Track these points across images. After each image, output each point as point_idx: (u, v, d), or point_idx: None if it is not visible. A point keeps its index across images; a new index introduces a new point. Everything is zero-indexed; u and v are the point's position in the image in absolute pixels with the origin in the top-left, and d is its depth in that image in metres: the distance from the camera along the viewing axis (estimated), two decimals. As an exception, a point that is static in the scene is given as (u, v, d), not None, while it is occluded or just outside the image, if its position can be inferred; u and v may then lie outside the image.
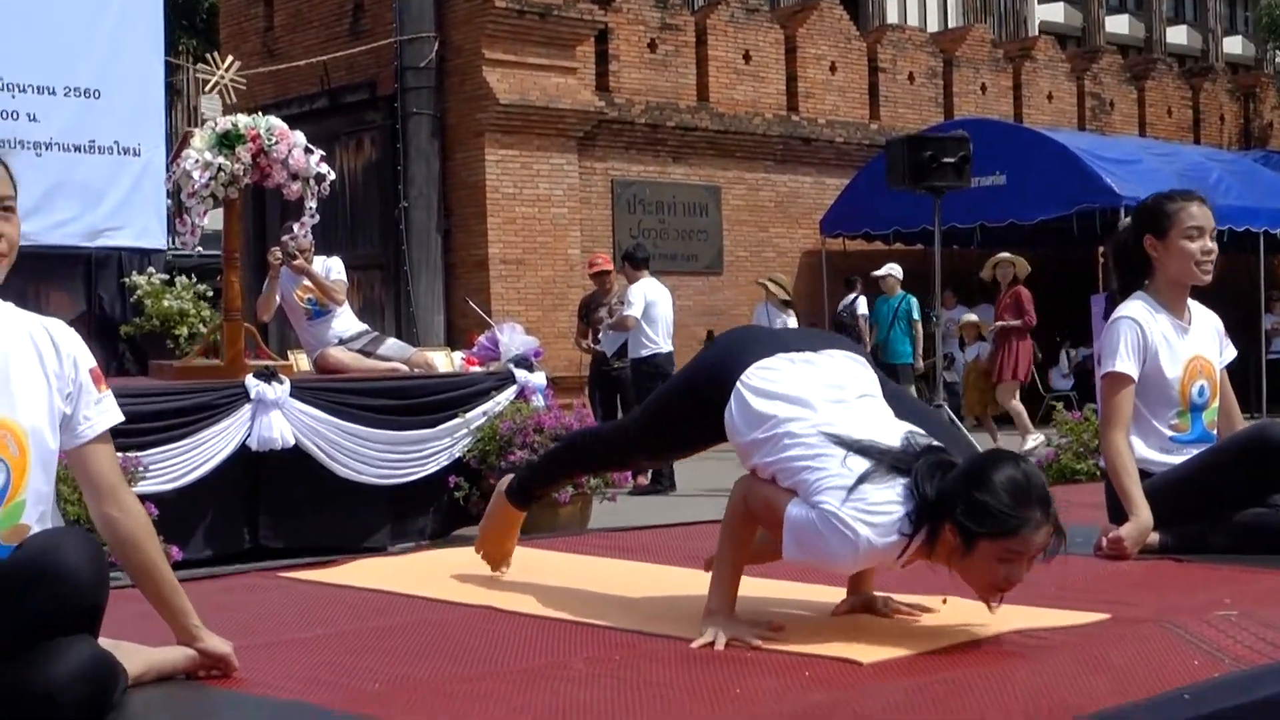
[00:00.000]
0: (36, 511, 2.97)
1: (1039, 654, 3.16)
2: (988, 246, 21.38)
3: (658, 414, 4.02)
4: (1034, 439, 14.24)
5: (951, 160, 12.41)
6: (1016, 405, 15.53)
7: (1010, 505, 3.14)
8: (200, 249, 9.68)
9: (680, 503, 12.05)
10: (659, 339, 12.92)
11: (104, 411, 3.10)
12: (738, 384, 3.57)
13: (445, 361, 11.87)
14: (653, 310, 12.92)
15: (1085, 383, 16.04)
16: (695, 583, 3.84)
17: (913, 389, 16.61)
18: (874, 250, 21.14)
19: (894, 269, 17.39)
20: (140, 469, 7.84)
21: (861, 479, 3.21)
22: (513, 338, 11.17)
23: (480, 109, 17.45)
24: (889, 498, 3.21)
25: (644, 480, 12.80)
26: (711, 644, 3.37)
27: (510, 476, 4.41)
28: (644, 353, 12.85)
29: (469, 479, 9.60)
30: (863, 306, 18.40)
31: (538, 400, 9.98)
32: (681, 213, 19.95)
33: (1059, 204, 19.10)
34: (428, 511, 9.76)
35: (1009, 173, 19.39)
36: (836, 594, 3.73)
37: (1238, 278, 21.27)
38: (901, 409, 3.58)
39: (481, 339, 11.60)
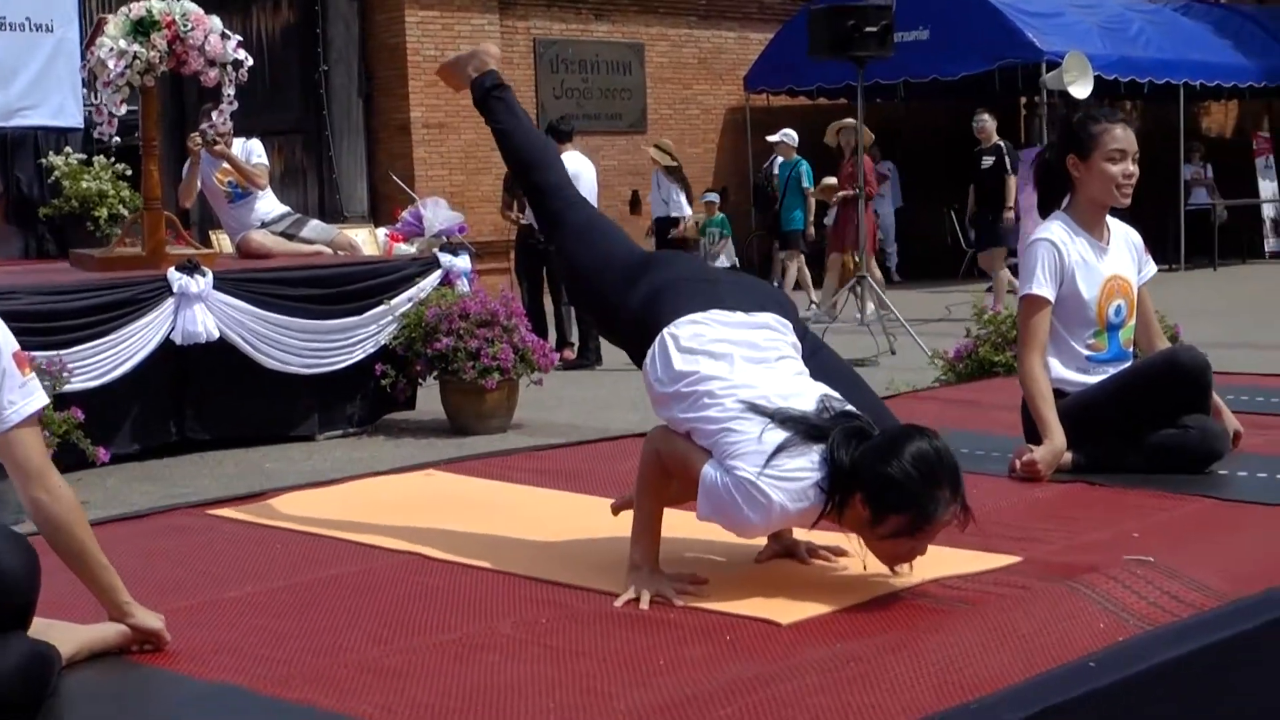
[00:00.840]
0: (-36, 498, 3.00)
1: (949, 621, 3.23)
2: (911, 101, 21.45)
3: (577, 278, 4.22)
4: (815, 305, 14.34)
5: (874, 29, 12.35)
6: (837, 275, 15.69)
7: (920, 484, 3.20)
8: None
9: (605, 377, 12.16)
10: (583, 212, 12.86)
11: (29, 396, 3.10)
12: (664, 333, 3.61)
13: (369, 240, 11.85)
14: (577, 184, 12.80)
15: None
16: (620, 518, 3.90)
17: (798, 258, 16.80)
18: (798, 105, 21.12)
19: (788, 134, 17.37)
20: (64, 371, 7.80)
21: (779, 448, 3.26)
22: (436, 213, 11.14)
23: (399, -31, 17.22)
24: (803, 465, 3.26)
25: (570, 355, 12.88)
26: (636, 600, 3.45)
27: (490, 74, 4.44)
28: (569, 225, 12.78)
29: (395, 366, 9.60)
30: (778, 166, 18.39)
31: (462, 285, 9.96)
32: (605, 71, 19.80)
33: (981, 59, 19.16)
34: (355, 399, 9.77)
35: (931, 28, 19.38)
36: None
37: (1158, 129, 21.43)
38: (820, 371, 3.63)
39: (405, 214, 11.58)
